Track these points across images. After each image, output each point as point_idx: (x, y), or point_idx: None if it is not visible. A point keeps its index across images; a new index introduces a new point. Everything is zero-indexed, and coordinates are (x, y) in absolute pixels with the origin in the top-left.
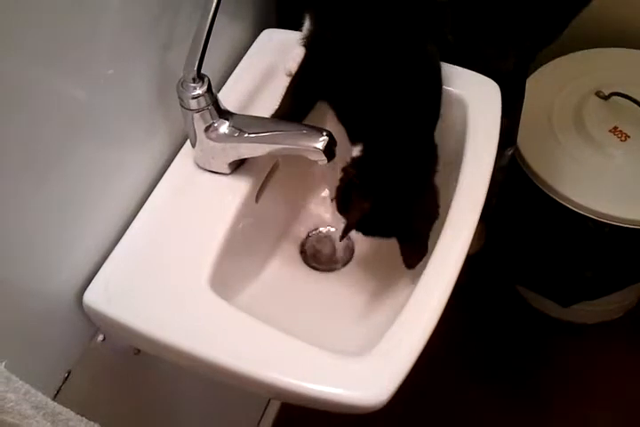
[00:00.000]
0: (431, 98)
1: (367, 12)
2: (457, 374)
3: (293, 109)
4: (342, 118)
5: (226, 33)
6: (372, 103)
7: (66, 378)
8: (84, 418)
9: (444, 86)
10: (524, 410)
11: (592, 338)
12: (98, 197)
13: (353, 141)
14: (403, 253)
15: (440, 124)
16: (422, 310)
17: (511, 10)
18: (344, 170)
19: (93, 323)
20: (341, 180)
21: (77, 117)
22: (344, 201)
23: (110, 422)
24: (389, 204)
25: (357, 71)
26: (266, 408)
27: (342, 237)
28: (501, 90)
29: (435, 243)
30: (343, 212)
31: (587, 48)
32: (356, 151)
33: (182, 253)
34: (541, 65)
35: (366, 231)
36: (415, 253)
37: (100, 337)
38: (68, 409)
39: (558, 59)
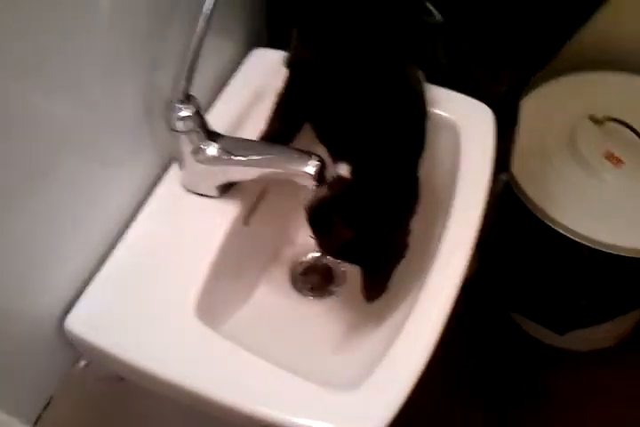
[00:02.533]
0: (412, 124)
1: (348, 32)
2: (450, 402)
3: (280, 130)
4: (322, 137)
5: (215, 52)
6: (352, 127)
7: (47, 405)
8: None
9: (435, 110)
10: None
11: (586, 365)
12: (81, 220)
13: (336, 159)
14: (365, 286)
15: (431, 150)
16: (415, 342)
17: (504, 34)
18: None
19: (76, 348)
20: (318, 196)
21: (61, 136)
22: (324, 223)
23: None
24: (365, 234)
25: (335, 94)
26: None
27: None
28: (495, 114)
29: (429, 270)
30: (322, 234)
31: (580, 71)
32: (343, 170)
33: (168, 278)
34: (534, 88)
35: (333, 254)
36: (377, 288)
37: (83, 363)
38: None
39: (551, 82)
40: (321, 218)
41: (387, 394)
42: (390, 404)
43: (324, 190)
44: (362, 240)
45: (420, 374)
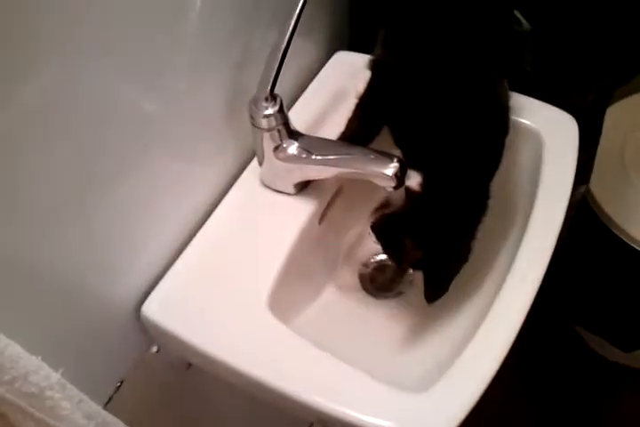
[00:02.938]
0: (493, 140)
1: (436, 39)
2: (511, 415)
3: (359, 132)
4: (399, 143)
5: (299, 53)
6: (431, 135)
7: (118, 387)
8: None
9: (519, 119)
10: None
11: None
12: (162, 210)
13: (409, 167)
14: (427, 289)
15: (512, 157)
16: (487, 350)
17: (593, 44)
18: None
19: (149, 334)
20: (384, 214)
21: (149, 130)
22: (390, 240)
23: None
24: (433, 246)
25: (418, 100)
26: None
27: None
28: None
29: (505, 278)
30: (394, 252)
31: None
32: (413, 182)
33: (243, 271)
34: (616, 101)
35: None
36: (439, 291)
37: (155, 348)
38: (119, 420)
39: (632, 96)
40: (390, 237)
41: (453, 401)
42: (456, 411)
43: (389, 207)
44: (431, 254)
45: (488, 382)
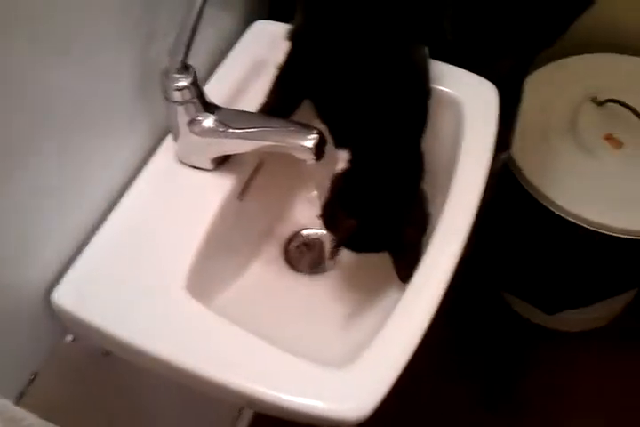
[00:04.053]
0: (415, 104)
1: (355, 7)
2: (437, 378)
3: (278, 104)
4: (325, 119)
5: (215, 23)
6: (354, 107)
7: (31, 380)
8: (49, 423)
9: (439, 86)
10: (505, 418)
11: (575, 346)
12: (72, 190)
13: (337, 145)
14: (396, 267)
15: (433, 126)
16: (407, 321)
17: (511, 11)
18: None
19: (62, 322)
20: (328, 193)
21: (53, 105)
22: (330, 217)
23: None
24: (379, 219)
25: (338, 71)
26: (240, 413)
27: (332, 256)
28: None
29: (426, 252)
30: (330, 228)
31: (584, 53)
32: (343, 160)
33: (159, 251)
34: (538, 68)
35: (356, 248)
36: (409, 265)
37: (70, 337)
38: (32, 414)
39: (555, 62)
40: (329, 215)
41: (377, 374)
42: (380, 384)
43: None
44: (372, 227)
45: (409, 357)
